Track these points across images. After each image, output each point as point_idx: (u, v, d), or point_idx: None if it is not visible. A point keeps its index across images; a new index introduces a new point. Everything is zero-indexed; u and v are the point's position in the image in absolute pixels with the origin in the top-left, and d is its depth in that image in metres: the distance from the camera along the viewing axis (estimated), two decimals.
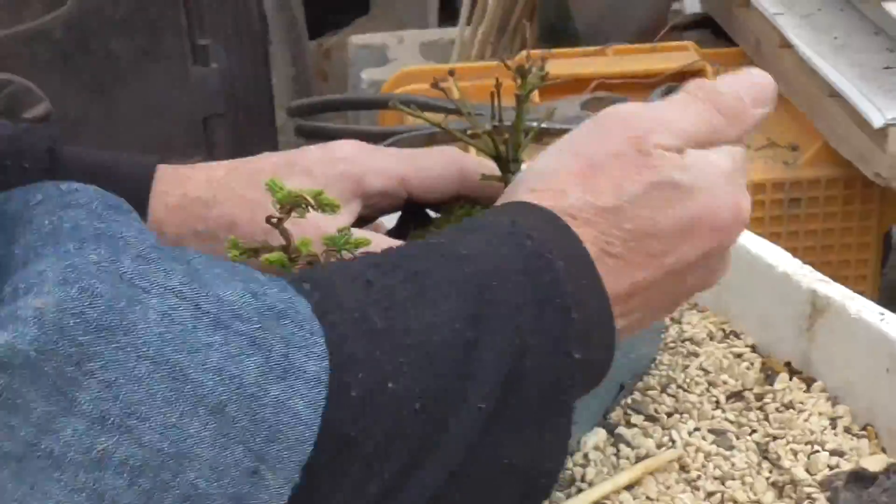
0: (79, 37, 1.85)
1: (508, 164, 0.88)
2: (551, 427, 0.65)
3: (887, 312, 0.83)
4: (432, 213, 0.91)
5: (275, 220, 0.74)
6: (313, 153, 0.87)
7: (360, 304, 0.61)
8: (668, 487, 0.80)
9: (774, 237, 1.43)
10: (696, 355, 0.91)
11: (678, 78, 1.68)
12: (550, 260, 0.65)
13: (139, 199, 0.86)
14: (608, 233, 0.69)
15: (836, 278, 1.51)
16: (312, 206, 0.73)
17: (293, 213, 0.73)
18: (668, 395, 0.87)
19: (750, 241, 0.94)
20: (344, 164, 0.87)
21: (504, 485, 0.65)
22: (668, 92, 1.59)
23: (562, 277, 0.65)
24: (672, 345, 0.93)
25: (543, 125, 1.57)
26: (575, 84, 1.69)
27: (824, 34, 1.52)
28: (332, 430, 0.57)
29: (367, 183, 0.87)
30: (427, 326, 0.61)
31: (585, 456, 0.83)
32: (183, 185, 0.87)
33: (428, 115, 0.91)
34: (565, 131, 1.56)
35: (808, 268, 0.90)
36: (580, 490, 0.80)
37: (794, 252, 1.50)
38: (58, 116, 1.77)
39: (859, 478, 0.73)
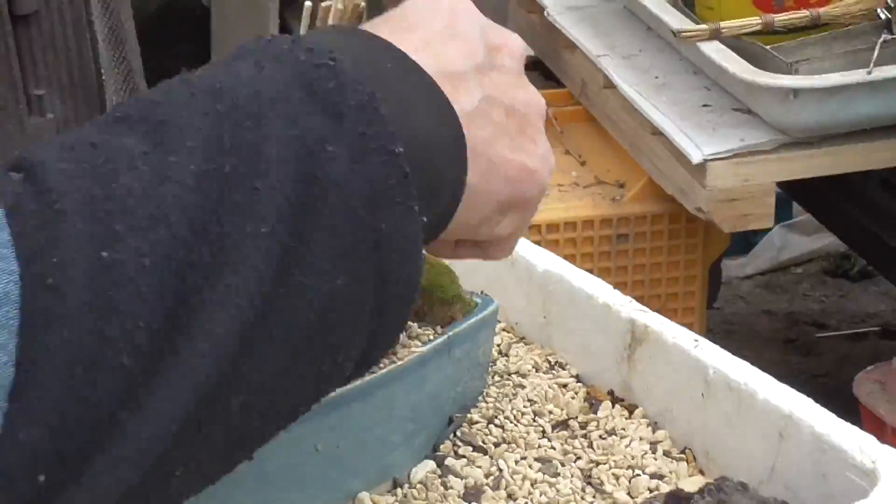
0: None
1: None
2: (389, 242, 0.58)
3: (701, 339, 0.86)
4: None
5: None
6: None
7: (72, 177, 0.53)
8: None
9: (604, 272, 1.48)
10: (523, 387, 0.94)
11: None
12: (333, 66, 0.59)
13: None
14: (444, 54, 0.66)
15: (664, 311, 1.55)
16: None
17: None
18: (496, 426, 0.90)
19: (571, 274, 0.97)
20: None
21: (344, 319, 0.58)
22: None
23: (350, 79, 0.59)
24: (498, 378, 0.95)
25: None
26: None
27: (645, 74, 1.57)
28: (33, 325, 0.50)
29: None
30: (159, 182, 0.53)
31: (413, 487, 0.84)
32: None
33: None
34: None
35: (627, 298, 0.93)
36: None
37: (624, 287, 1.55)
38: None
39: (676, 498, 0.75)
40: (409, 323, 0.88)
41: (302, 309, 0.56)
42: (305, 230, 0.56)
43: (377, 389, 0.83)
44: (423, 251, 0.62)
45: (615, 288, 1.54)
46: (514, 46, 0.69)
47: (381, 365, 0.84)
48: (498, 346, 1.00)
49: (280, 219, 0.55)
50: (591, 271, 1.52)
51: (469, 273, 1.07)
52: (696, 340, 0.86)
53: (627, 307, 0.92)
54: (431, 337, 0.88)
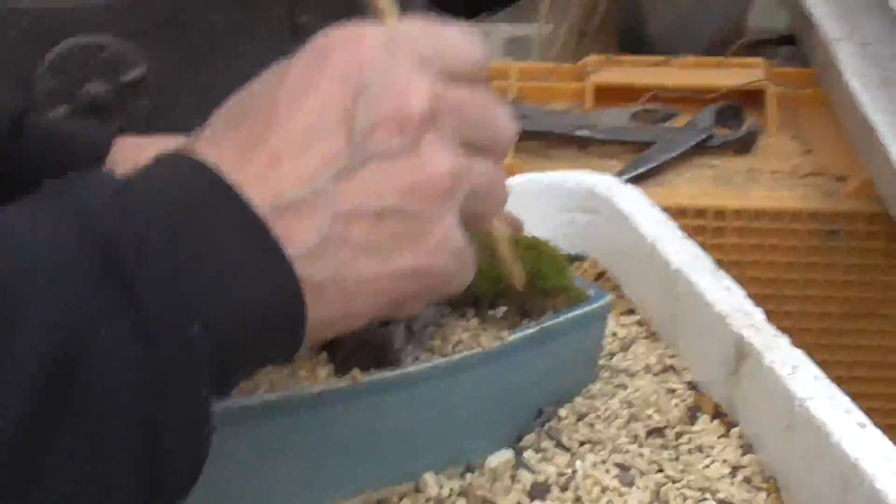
0: (177, 6, 1.89)
1: None
2: (165, 430, 0.55)
3: (802, 367, 0.81)
4: None
5: None
6: None
7: None
8: None
9: (810, 268, 1.41)
10: (625, 387, 0.90)
11: (735, 96, 1.66)
12: (136, 234, 0.54)
13: (95, 167, 0.88)
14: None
15: (875, 316, 1.50)
16: None
17: None
18: (585, 424, 0.87)
19: (700, 276, 0.93)
20: None
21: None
22: (720, 111, 1.58)
23: (154, 249, 0.54)
24: (606, 374, 0.92)
25: (581, 133, 1.57)
26: (630, 93, 1.68)
27: (877, 66, 1.49)
28: None
29: None
30: None
31: (483, 475, 0.83)
32: (137, 155, 0.89)
33: None
34: (608, 142, 1.56)
35: (747, 310, 0.89)
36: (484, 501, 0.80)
37: (832, 285, 1.49)
38: (153, 84, 1.81)
39: None
40: (499, 308, 0.86)
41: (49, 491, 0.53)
42: (54, 419, 0.52)
43: (451, 374, 0.81)
44: None
45: (824, 285, 1.49)
46: (409, 110, 0.60)
47: (460, 351, 0.82)
48: (622, 339, 0.97)
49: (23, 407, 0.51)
50: (795, 266, 1.48)
51: (614, 261, 1.05)
52: (794, 368, 0.81)
53: (741, 321, 0.87)
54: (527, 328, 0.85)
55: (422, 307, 0.68)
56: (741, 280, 1.50)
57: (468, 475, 0.83)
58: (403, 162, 0.60)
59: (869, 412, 1.54)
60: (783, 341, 0.86)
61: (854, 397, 1.50)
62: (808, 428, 0.77)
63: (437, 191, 0.61)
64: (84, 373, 0.52)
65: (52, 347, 0.51)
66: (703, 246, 1.50)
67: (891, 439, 0.74)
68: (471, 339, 0.84)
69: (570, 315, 0.87)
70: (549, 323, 0.86)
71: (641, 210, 1.06)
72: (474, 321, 0.86)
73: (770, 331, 0.87)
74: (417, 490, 0.82)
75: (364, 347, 0.81)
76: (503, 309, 0.87)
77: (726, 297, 0.91)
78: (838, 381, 1.51)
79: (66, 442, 0.52)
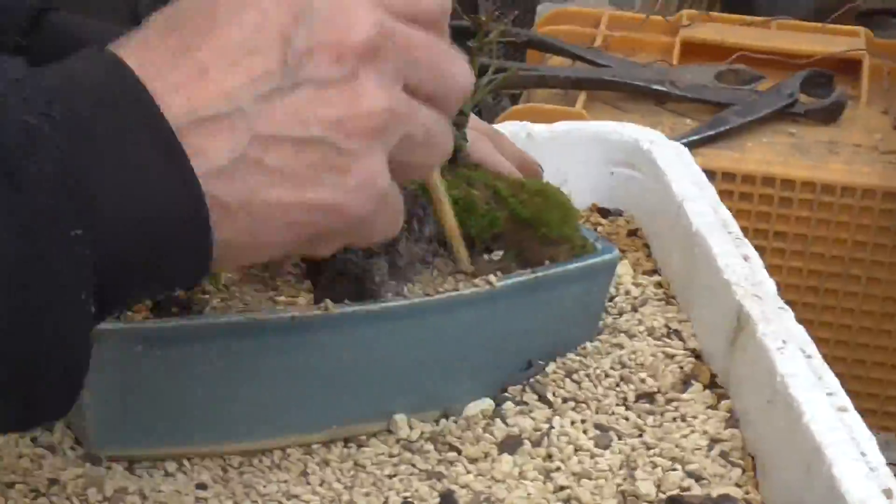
0: None
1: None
2: (42, 332, 0.53)
3: (794, 342, 0.77)
4: None
5: None
6: None
7: None
8: (521, 471, 0.77)
9: (879, 249, 1.37)
10: (622, 347, 0.87)
11: (828, 64, 1.60)
12: (33, 125, 0.52)
13: None
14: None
15: None
16: None
17: None
18: (573, 381, 0.84)
19: (717, 241, 0.90)
20: None
21: None
22: (809, 78, 1.53)
23: (48, 143, 0.52)
24: (607, 333, 0.89)
25: (659, 87, 1.53)
26: (719, 51, 1.63)
27: None
28: None
29: None
30: None
31: (456, 422, 0.81)
32: None
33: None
34: (687, 99, 1.52)
35: (758, 280, 0.85)
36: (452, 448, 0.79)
37: (881, 266, 1.43)
38: None
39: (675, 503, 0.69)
40: (495, 252, 0.84)
41: None
42: None
43: (431, 313, 0.79)
44: None
45: (871, 265, 1.44)
46: (350, 39, 0.57)
47: (445, 290, 0.80)
48: (635, 298, 0.94)
49: None
50: (863, 245, 1.43)
51: (648, 219, 1.02)
52: (784, 343, 0.77)
53: (745, 289, 0.84)
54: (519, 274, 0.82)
55: (338, 249, 0.65)
56: (804, 254, 1.46)
57: (443, 421, 0.81)
58: (336, 92, 0.57)
59: None
60: (786, 315, 0.82)
61: None
62: (784, 405, 0.74)
63: (367, 128, 0.58)
64: None
65: None
66: (768, 216, 1.46)
67: None
68: (458, 280, 0.82)
69: (569, 267, 0.84)
70: (543, 272, 0.83)
71: (679, 168, 1.02)
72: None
73: (775, 303, 0.83)
74: (388, 431, 0.80)
75: (344, 278, 0.79)
76: (500, 253, 0.84)
77: (740, 265, 0.87)
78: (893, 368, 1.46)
79: None
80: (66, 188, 0.51)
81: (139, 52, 0.56)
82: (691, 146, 1.32)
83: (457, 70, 0.64)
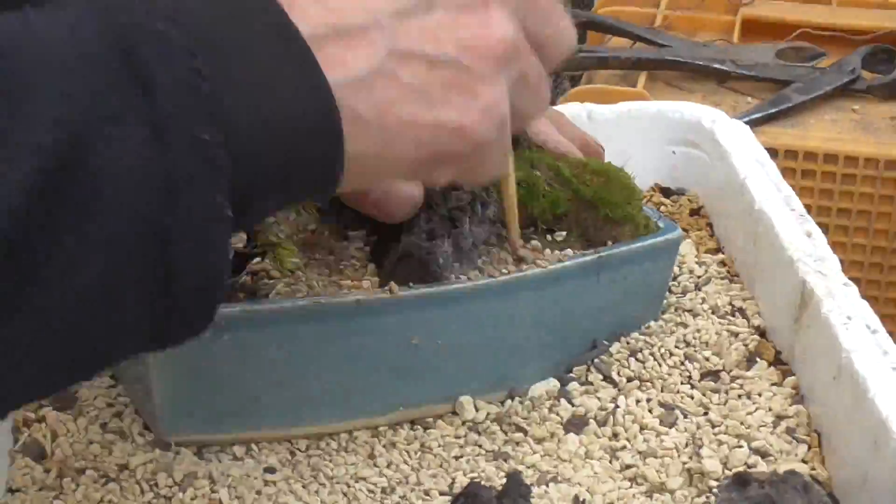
0: None
1: None
2: (177, 237, 0.52)
3: (859, 318, 0.77)
4: None
5: None
6: None
7: None
8: (587, 450, 0.78)
9: None
10: (686, 326, 0.87)
11: (889, 39, 1.59)
12: (162, 31, 0.52)
13: None
14: None
15: None
16: None
17: None
18: (637, 360, 0.84)
19: (781, 219, 0.89)
20: None
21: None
22: (871, 53, 1.51)
23: (177, 48, 0.52)
24: (672, 312, 0.89)
25: (720, 66, 1.52)
26: (780, 29, 1.62)
27: None
28: None
29: None
30: None
31: (522, 403, 0.81)
32: None
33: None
34: (748, 78, 1.51)
35: (821, 256, 0.85)
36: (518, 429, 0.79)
37: None
38: None
39: (740, 481, 0.69)
40: (558, 233, 0.84)
41: (51, 295, 0.50)
42: (54, 220, 0.49)
43: (496, 295, 0.80)
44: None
45: None
46: None
47: (509, 272, 0.80)
48: (699, 277, 0.94)
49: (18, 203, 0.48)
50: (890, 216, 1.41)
51: (710, 198, 1.01)
52: (849, 319, 0.77)
53: (809, 266, 0.84)
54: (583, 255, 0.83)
55: (458, 182, 0.68)
56: (868, 231, 1.45)
57: (508, 402, 0.82)
58: (470, 16, 0.59)
59: None
60: (851, 291, 0.82)
61: None
62: (849, 381, 0.73)
63: (496, 53, 0.60)
64: (89, 173, 0.49)
65: (56, 143, 0.48)
66: (831, 193, 1.45)
67: None
68: (531, 251, 0.82)
69: (632, 246, 0.84)
70: (607, 252, 0.83)
71: (742, 147, 1.01)
72: (530, 244, 0.84)
73: (839, 279, 0.83)
74: (454, 412, 0.81)
75: (409, 261, 0.80)
76: (563, 234, 0.84)
77: (803, 241, 0.87)
78: None
79: (66, 247, 0.49)
80: (196, 93, 0.51)
81: None
82: (753, 124, 1.32)
83: (565, 26, 0.66)
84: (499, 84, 0.60)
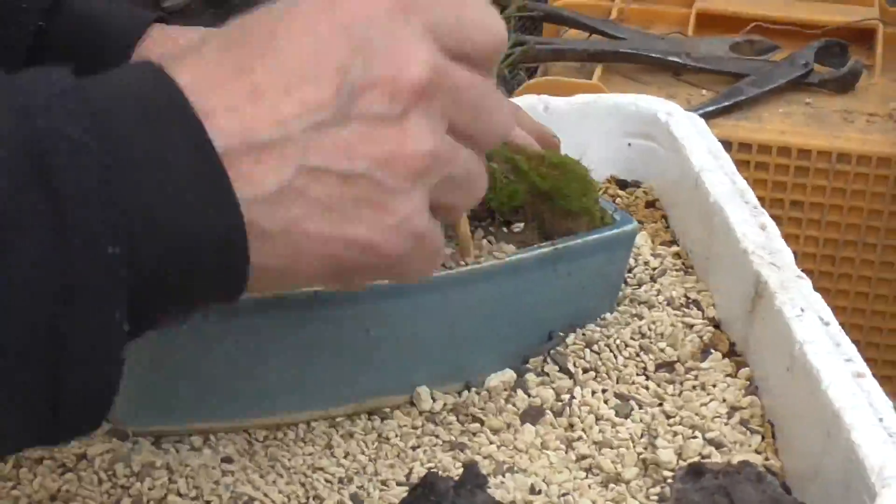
0: None
1: None
2: (71, 347, 0.52)
3: (808, 311, 0.78)
4: None
5: None
6: None
7: None
8: (543, 441, 0.78)
9: (874, 214, 1.37)
10: (641, 318, 0.88)
11: (843, 34, 1.60)
12: (75, 139, 0.52)
13: (124, 52, 0.89)
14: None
15: None
16: None
17: None
18: (593, 351, 0.85)
19: (735, 210, 0.90)
20: None
21: None
22: (824, 47, 1.53)
23: (89, 159, 0.52)
24: (627, 304, 0.90)
25: (675, 59, 1.53)
26: (734, 22, 1.63)
27: None
28: None
29: None
30: None
31: (479, 393, 0.82)
32: (168, 43, 0.89)
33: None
34: (703, 70, 1.52)
35: (775, 249, 0.86)
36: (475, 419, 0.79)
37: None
38: None
39: (694, 472, 0.69)
40: (515, 225, 0.84)
41: None
42: None
43: (454, 286, 0.80)
44: None
45: (887, 234, 1.44)
46: (405, 78, 0.57)
47: (464, 264, 0.81)
48: (654, 269, 0.95)
49: None
50: (879, 214, 1.43)
51: (666, 190, 1.02)
52: (803, 311, 0.78)
53: (763, 259, 0.85)
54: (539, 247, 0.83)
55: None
56: (820, 223, 1.47)
57: (465, 392, 0.82)
58: (386, 130, 0.57)
59: None
60: (804, 283, 0.83)
61: None
62: (803, 372, 0.74)
63: (412, 168, 0.58)
64: None
65: None
66: (784, 185, 1.47)
67: None
68: (480, 253, 0.83)
69: (588, 238, 0.85)
70: (563, 244, 0.84)
71: (697, 140, 1.02)
72: (488, 236, 0.84)
73: (792, 271, 0.84)
74: (411, 403, 0.81)
75: None
76: (520, 226, 0.85)
77: (757, 233, 0.88)
78: None
79: None
80: (106, 207, 0.51)
81: (194, 69, 0.55)
82: (707, 117, 1.33)
83: (498, 114, 0.64)
84: (414, 197, 0.59)
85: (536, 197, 0.85)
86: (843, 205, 1.44)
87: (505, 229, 0.85)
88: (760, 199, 0.95)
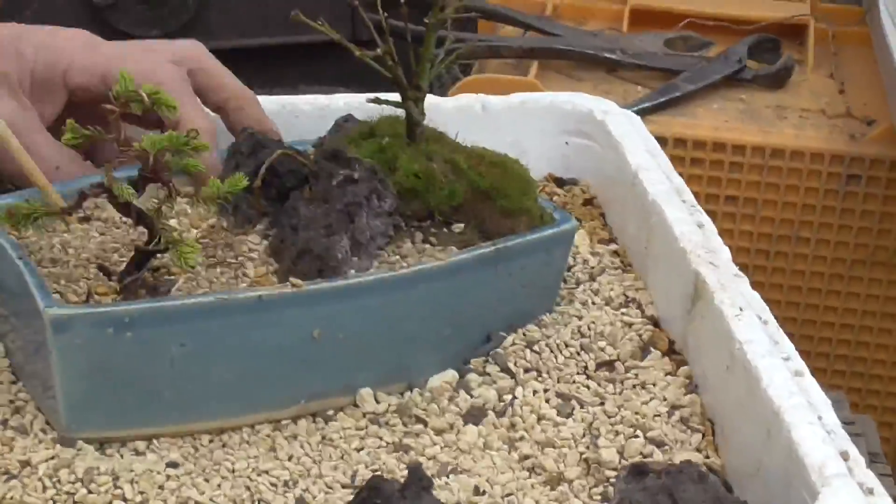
0: None
1: (406, 91, 0.85)
2: None
3: (748, 310, 0.79)
4: None
5: (110, 111, 0.74)
6: (38, 34, 0.89)
7: None
8: (486, 441, 0.79)
9: (828, 211, 1.39)
10: (580, 317, 0.89)
11: (776, 29, 1.62)
12: None
13: None
14: None
15: (890, 266, 1.47)
16: (146, 104, 0.74)
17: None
18: (534, 351, 0.86)
19: (672, 209, 0.91)
20: (55, 53, 0.89)
21: None
22: (757, 43, 1.54)
23: None
24: (566, 304, 0.91)
25: (610, 55, 1.54)
26: (668, 18, 1.65)
27: None
28: None
29: (69, 77, 0.89)
30: None
31: (422, 394, 0.82)
32: None
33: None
34: (638, 67, 1.53)
35: (713, 248, 0.87)
36: (418, 420, 0.80)
37: (849, 230, 1.46)
38: None
39: (637, 472, 0.70)
40: (456, 225, 0.85)
41: None
42: None
43: (395, 288, 0.80)
44: None
45: (820, 228, 1.46)
46: None
47: (408, 265, 0.81)
48: (593, 268, 0.96)
49: None
50: (812, 208, 1.45)
51: (603, 188, 1.03)
52: (741, 310, 0.79)
53: (701, 257, 0.85)
54: (480, 247, 0.84)
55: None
56: (755, 218, 1.48)
57: (408, 393, 0.83)
58: None
59: (877, 363, 1.52)
60: (742, 282, 0.84)
61: (865, 345, 1.47)
62: (742, 371, 0.75)
63: None
64: None
65: None
66: (719, 181, 1.48)
67: None
68: (420, 254, 0.83)
69: (528, 238, 0.86)
70: (504, 244, 0.84)
71: (634, 138, 1.03)
72: (429, 237, 0.85)
73: (730, 270, 0.85)
74: (355, 405, 0.82)
75: (307, 255, 0.80)
76: (460, 226, 0.85)
77: (695, 232, 0.89)
78: (847, 328, 1.49)
79: None
80: None
81: None
82: (643, 113, 1.34)
83: None
84: None
85: (476, 196, 0.85)
86: (777, 200, 1.46)
87: (445, 229, 0.85)
88: (696, 194, 0.96)
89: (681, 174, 0.99)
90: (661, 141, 1.08)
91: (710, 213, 0.94)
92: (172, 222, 0.81)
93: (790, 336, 0.79)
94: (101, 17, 1.80)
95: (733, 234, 1.48)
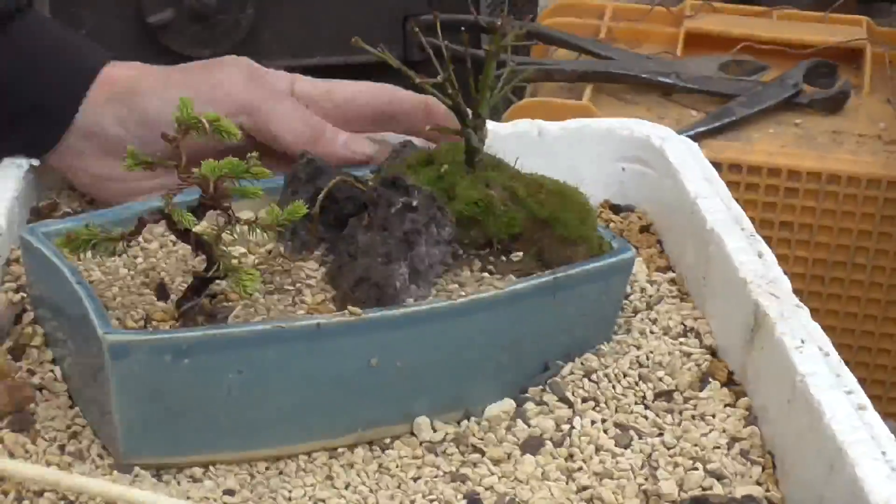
0: None
1: (465, 119, 0.85)
2: None
3: (812, 341, 0.78)
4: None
5: (171, 138, 0.74)
6: (193, 73, 0.90)
7: None
8: (544, 471, 0.78)
9: (884, 237, 1.37)
10: (639, 347, 0.88)
11: (831, 54, 1.61)
12: None
13: (76, 89, 0.90)
14: None
15: None
16: (206, 130, 0.74)
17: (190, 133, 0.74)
18: (591, 381, 0.85)
19: (732, 238, 0.90)
20: (219, 89, 0.89)
21: None
22: (813, 67, 1.53)
23: None
24: (623, 333, 0.90)
25: (665, 79, 1.54)
26: (723, 42, 1.64)
27: None
28: None
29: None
30: None
31: (479, 423, 0.82)
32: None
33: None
34: (693, 91, 1.52)
35: (773, 278, 0.86)
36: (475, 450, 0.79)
37: (885, 255, 1.44)
38: None
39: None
40: (514, 253, 0.84)
41: None
42: None
43: (452, 317, 0.80)
44: None
45: (876, 254, 1.45)
46: None
47: (466, 293, 0.81)
48: (650, 296, 0.95)
49: None
50: (868, 234, 1.43)
51: (660, 215, 1.02)
52: (802, 343, 0.78)
53: (761, 288, 0.85)
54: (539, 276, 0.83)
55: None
56: (810, 244, 1.47)
57: (465, 422, 0.82)
58: None
59: None
60: (802, 313, 0.83)
61: None
62: (804, 404, 0.74)
63: None
64: None
65: None
66: (774, 206, 1.47)
67: None
68: (478, 282, 0.83)
69: (587, 267, 0.85)
70: (563, 273, 0.84)
71: (691, 165, 1.03)
72: (488, 265, 0.84)
73: (791, 301, 0.84)
74: (412, 433, 0.81)
75: (366, 283, 0.80)
76: (519, 254, 0.85)
77: (755, 262, 0.88)
78: None
79: None
80: None
81: None
82: (697, 138, 1.33)
83: None
84: None
85: (535, 224, 0.85)
86: (833, 225, 1.45)
87: (504, 258, 0.85)
88: (750, 220, 0.95)
89: (735, 199, 0.98)
90: (716, 166, 1.07)
91: (765, 239, 0.93)
92: (232, 250, 0.81)
93: (846, 363, 0.78)
94: (153, 37, 1.80)
95: (788, 259, 1.47)
